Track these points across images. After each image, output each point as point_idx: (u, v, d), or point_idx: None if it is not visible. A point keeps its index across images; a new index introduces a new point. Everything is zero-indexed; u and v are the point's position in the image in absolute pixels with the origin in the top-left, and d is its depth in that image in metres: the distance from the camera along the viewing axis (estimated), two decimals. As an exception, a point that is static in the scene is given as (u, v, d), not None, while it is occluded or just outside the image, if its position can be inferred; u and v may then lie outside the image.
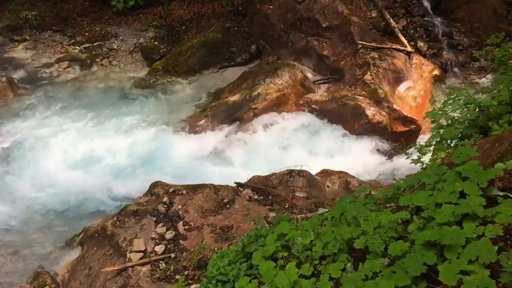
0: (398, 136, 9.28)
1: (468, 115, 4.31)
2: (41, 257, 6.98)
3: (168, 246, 5.69)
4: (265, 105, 9.99)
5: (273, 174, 7.08)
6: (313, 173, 7.34)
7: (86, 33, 13.32)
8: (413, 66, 10.42)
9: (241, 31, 12.48)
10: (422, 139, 9.07)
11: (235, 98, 10.33)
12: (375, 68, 9.93)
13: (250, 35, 12.32)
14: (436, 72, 10.61)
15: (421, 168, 4.32)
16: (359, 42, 10.49)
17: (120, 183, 8.55)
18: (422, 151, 4.54)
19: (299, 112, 10.02)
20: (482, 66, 10.73)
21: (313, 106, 9.98)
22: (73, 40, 13.14)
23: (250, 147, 9.47)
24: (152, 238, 5.83)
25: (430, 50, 11.04)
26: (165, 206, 6.32)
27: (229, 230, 5.61)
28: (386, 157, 9.18)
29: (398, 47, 10.62)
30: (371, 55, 10.24)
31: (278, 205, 6.15)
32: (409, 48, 10.70)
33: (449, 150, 4.16)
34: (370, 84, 9.71)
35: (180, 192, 6.63)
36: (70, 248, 7.04)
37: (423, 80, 10.24)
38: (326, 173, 7.64)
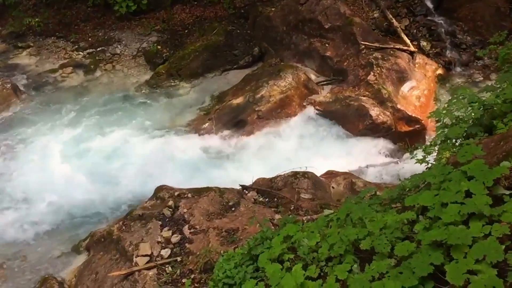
0: (402, 136, 9.26)
1: (473, 114, 4.30)
2: (47, 263, 7.00)
3: (174, 249, 5.69)
4: (268, 107, 9.98)
5: (278, 176, 7.07)
6: (318, 174, 7.33)
7: (89, 39, 13.37)
8: (417, 65, 10.39)
9: (244, 33, 12.49)
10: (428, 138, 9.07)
11: (238, 100, 10.34)
12: (378, 68, 9.92)
13: (253, 37, 12.33)
14: (439, 71, 10.58)
15: (426, 168, 4.31)
16: (362, 42, 10.49)
17: (125, 188, 8.55)
18: (427, 150, 4.54)
19: (303, 114, 10.00)
20: (485, 65, 10.70)
21: (317, 107, 9.97)
22: (76, 46, 13.18)
23: (254, 150, 9.46)
24: (158, 242, 5.83)
25: (433, 49, 11.02)
26: (171, 209, 6.32)
27: (235, 233, 5.61)
28: (391, 157, 9.16)
29: (401, 47, 10.60)
30: (374, 55, 10.23)
31: (283, 207, 6.15)
32: (412, 48, 10.68)
33: (454, 149, 4.15)
34: (374, 85, 9.69)
35: (185, 196, 6.63)
36: (76, 253, 7.06)
37: (427, 79, 10.21)
38: (331, 174, 7.62)
